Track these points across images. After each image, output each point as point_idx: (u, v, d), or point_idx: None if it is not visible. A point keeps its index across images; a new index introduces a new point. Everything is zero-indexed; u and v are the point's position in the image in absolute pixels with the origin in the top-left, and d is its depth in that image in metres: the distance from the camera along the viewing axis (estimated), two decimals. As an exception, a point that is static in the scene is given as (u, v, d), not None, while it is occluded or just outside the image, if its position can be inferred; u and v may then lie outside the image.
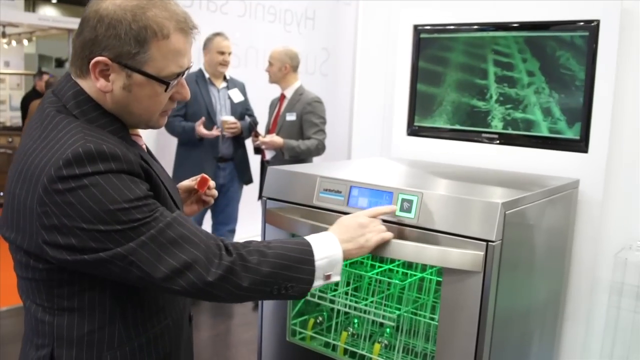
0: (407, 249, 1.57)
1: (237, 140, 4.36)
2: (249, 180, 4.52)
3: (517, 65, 2.30)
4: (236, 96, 4.40)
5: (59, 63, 12.49)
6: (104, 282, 1.19)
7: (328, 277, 1.34)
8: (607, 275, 2.25)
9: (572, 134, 2.20)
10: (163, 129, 4.14)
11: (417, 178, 2.08)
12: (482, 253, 1.50)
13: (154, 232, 1.12)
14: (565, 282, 2.25)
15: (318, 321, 2.01)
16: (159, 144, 4.37)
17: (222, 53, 4.25)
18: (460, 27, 2.45)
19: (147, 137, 4.17)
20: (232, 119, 4.22)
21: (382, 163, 2.41)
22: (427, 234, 1.58)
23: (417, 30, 2.57)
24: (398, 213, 1.62)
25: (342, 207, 1.75)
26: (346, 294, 1.93)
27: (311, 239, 1.35)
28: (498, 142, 2.37)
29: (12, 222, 1.17)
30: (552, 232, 2.01)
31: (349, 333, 1.96)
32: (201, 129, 4.04)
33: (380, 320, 1.80)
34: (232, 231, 4.56)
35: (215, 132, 4.10)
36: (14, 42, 12.05)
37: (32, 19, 10.52)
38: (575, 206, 2.20)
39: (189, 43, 1.24)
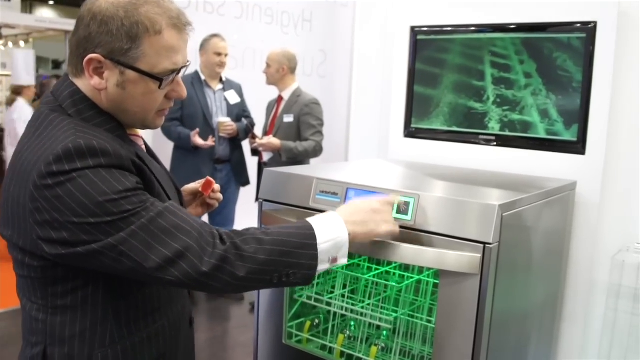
0: (404, 251, 1.56)
1: (234, 142, 4.36)
2: (246, 182, 4.52)
3: (514, 67, 2.30)
4: (232, 98, 4.39)
5: (56, 65, 12.48)
6: (98, 280, 1.19)
7: (334, 260, 1.29)
8: (605, 277, 2.24)
9: (569, 135, 2.20)
10: (160, 133, 4.14)
11: (414, 180, 2.08)
12: (479, 255, 1.49)
13: (144, 221, 1.11)
14: (562, 284, 2.24)
15: (315, 324, 2.00)
16: (154, 146, 4.35)
17: (219, 54, 4.24)
18: (457, 29, 2.44)
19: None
20: (228, 120, 4.21)
21: (379, 165, 2.40)
22: (424, 236, 1.58)
23: (414, 31, 2.56)
24: (395, 215, 1.62)
25: (338, 209, 1.74)
26: (343, 296, 1.93)
27: (314, 221, 1.30)
28: (495, 143, 2.37)
29: (9, 220, 1.18)
30: (550, 234, 2.01)
31: (346, 336, 1.96)
32: (197, 139, 4.03)
33: (377, 322, 1.79)
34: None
35: (210, 142, 4.09)
36: (10, 44, 12.04)
37: (29, 21, 10.51)
38: (572, 208, 2.20)
39: (183, 40, 1.23)
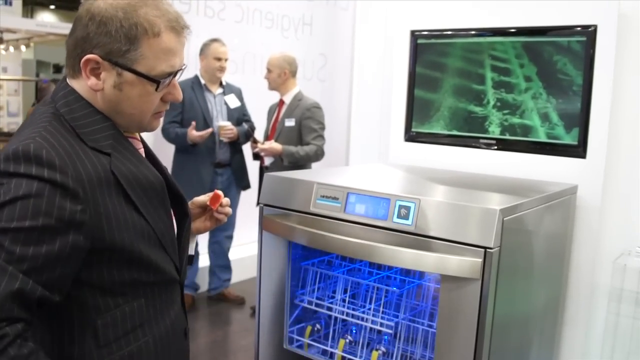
0: (404, 256, 1.56)
1: (234, 146, 4.35)
2: (246, 186, 4.51)
3: (515, 70, 2.30)
4: (232, 102, 4.39)
5: (57, 69, 12.49)
6: (71, 301, 1.14)
7: None
8: (606, 281, 2.24)
9: (570, 139, 2.20)
10: (160, 137, 4.14)
11: (415, 184, 2.08)
12: (480, 260, 1.49)
13: (3, 263, 1.01)
14: (564, 288, 2.24)
15: (316, 328, 2.00)
16: (155, 151, 4.35)
17: (219, 59, 4.24)
18: (457, 33, 2.44)
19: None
20: (228, 124, 4.21)
21: (379, 169, 2.40)
22: (424, 240, 1.57)
23: (415, 35, 2.56)
24: (396, 220, 1.61)
25: (339, 214, 1.74)
26: (344, 301, 1.92)
27: None
28: (496, 147, 2.36)
29: None
30: (551, 238, 2.00)
31: (347, 340, 1.95)
32: (192, 132, 4.02)
33: (378, 327, 1.79)
34: (230, 237, 4.55)
35: (207, 131, 4.06)
36: (11, 48, 12.04)
37: (30, 25, 10.51)
38: (573, 212, 2.20)
39: (180, 43, 1.23)
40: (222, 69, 4.27)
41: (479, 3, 2.42)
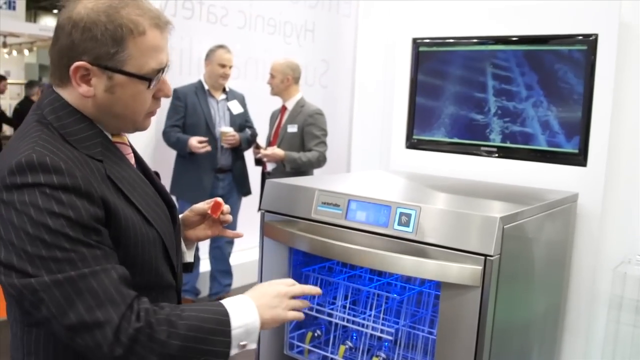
0: (405, 263, 1.57)
1: (236, 152, 4.36)
2: (247, 192, 4.52)
3: (516, 78, 2.31)
4: (235, 108, 4.40)
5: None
6: None
7: (244, 346, 1.23)
8: (606, 289, 2.24)
9: (570, 147, 2.21)
10: (162, 143, 4.15)
11: (416, 191, 2.08)
12: (481, 267, 1.50)
13: (74, 275, 1.05)
14: (564, 296, 2.24)
15: (316, 334, 2.01)
16: (155, 156, 4.36)
17: (224, 66, 4.25)
18: (459, 41, 2.45)
19: (144, 150, 4.18)
20: (230, 130, 4.22)
21: (380, 176, 2.41)
22: (425, 248, 1.58)
23: (416, 43, 2.58)
24: (396, 227, 1.62)
25: (340, 221, 1.75)
26: (344, 307, 1.93)
27: (229, 304, 1.23)
28: (496, 155, 2.37)
29: None
30: (551, 246, 2.01)
31: (347, 347, 1.95)
32: (192, 142, 4.02)
33: (379, 334, 1.80)
34: (231, 242, 4.55)
35: (206, 147, 4.06)
36: (14, 52, 12.10)
37: (33, 29, 10.56)
38: (574, 220, 2.20)
39: (164, 39, 1.23)
40: (225, 76, 4.28)
41: (481, 11, 2.43)
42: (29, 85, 8.56)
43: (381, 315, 1.88)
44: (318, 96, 5.44)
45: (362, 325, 1.82)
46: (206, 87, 4.30)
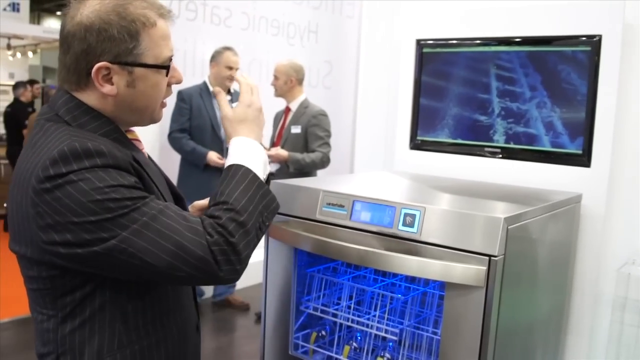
0: (409, 264, 1.57)
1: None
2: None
3: (520, 79, 2.32)
4: (239, 109, 4.41)
5: (64, 75, 12.53)
6: (105, 286, 1.20)
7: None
8: (610, 290, 2.24)
9: (574, 148, 2.21)
10: (166, 144, 4.16)
11: (420, 192, 2.09)
12: (485, 268, 1.50)
13: (147, 219, 1.12)
14: (568, 296, 2.25)
15: (321, 335, 2.01)
16: (161, 156, 4.38)
17: (231, 68, 4.25)
18: (462, 42, 2.46)
19: (149, 152, 4.18)
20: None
21: (384, 177, 2.41)
22: (429, 248, 1.59)
23: (420, 44, 2.58)
24: (401, 227, 1.63)
25: (345, 222, 1.76)
26: (349, 307, 1.93)
27: (247, 161, 1.31)
28: (500, 156, 2.38)
29: (16, 232, 1.19)
30: (555, 247, 2.01)
31: (352, 347, 1.96)
32: (213, 157, 4.05)
33: (383, 334, 1.80)
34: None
35: (224, 160, 4.09)
36: (18, 54, 12.14)
37: (36, 31, 10.60)
38: (577, 221, 2.21)
39: (170, 27, 1.29)
40: (232, 79, 4.28)
41: (484, 13, 2.44)
42: (16, 86, 8.53)
43: (385, 316, 1.88)
44: (321, 97, 5.45)
45: (367, 326, 1.83)
46: (211, 88, 4.30)
